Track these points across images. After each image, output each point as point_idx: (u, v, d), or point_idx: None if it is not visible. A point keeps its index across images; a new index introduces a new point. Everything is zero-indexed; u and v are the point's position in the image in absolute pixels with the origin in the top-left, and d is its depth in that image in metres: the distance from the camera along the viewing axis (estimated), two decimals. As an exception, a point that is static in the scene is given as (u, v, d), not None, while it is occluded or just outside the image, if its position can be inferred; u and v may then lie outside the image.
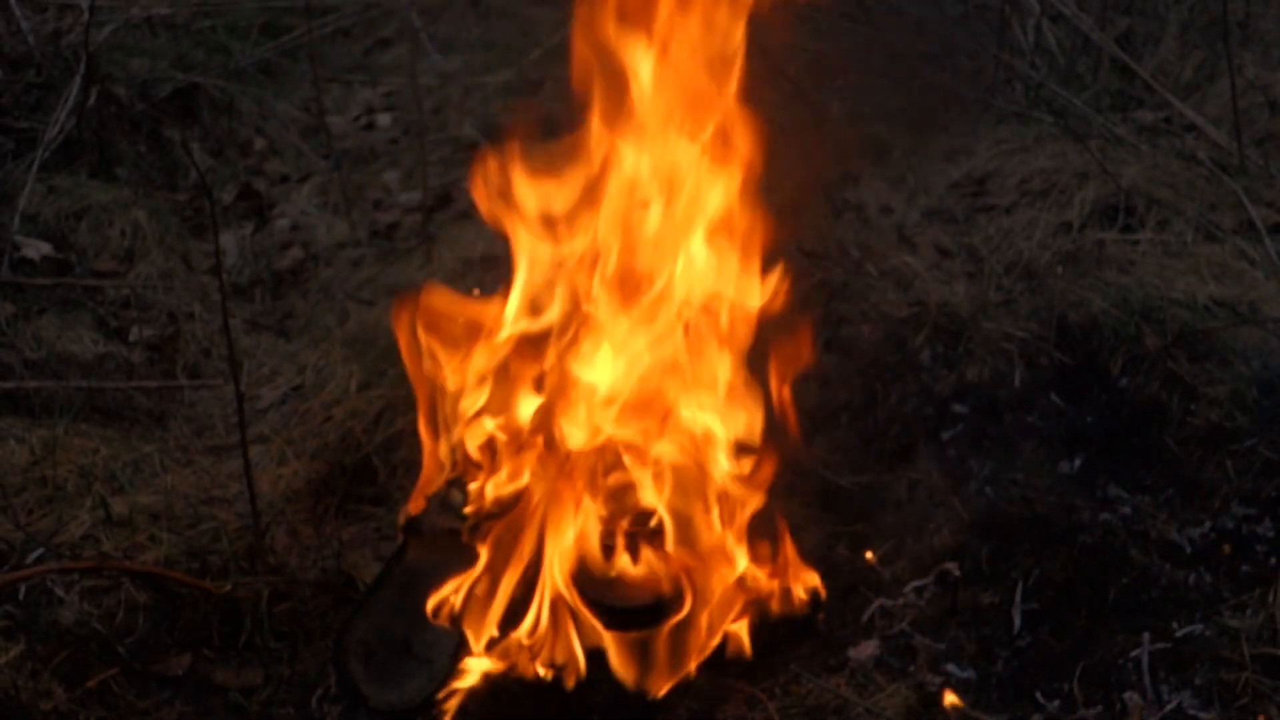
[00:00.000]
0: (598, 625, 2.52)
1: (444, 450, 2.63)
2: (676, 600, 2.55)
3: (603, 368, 2.59)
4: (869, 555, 2.89)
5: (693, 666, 2.57)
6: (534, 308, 2.64)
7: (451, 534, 2.53)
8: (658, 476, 2.59)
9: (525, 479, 2.55)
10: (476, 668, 2.52)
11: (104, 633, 2.76)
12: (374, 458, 3.32)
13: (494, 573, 2.52)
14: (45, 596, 2.88)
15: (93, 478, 3.26)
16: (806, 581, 2.71)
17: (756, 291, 2.65)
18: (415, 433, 3.19)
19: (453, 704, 2.53)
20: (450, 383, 2.62)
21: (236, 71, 5.17)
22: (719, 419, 2.64)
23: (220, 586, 2.82)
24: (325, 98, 5.04)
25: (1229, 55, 4.32)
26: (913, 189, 4.20)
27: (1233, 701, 2.49)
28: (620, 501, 2.60)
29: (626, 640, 2.53)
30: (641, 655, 2.55)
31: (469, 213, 4.49)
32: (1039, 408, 3.32)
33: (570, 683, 2.51)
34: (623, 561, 2.56)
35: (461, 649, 2.51)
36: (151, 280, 4.07)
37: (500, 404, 2.62)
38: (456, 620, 2.50)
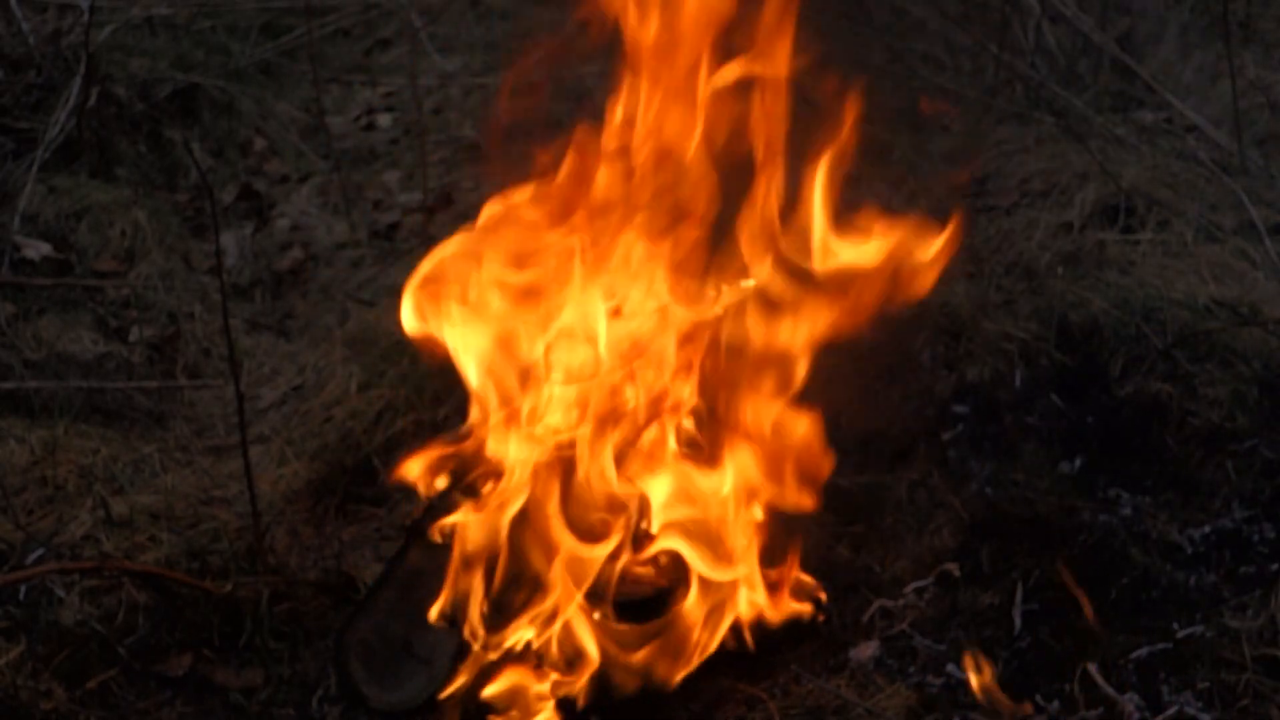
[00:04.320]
0: (598, 620, 2.52)
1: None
2: (676, 592, 2.55)
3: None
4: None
5: (694, 665, 2.57)
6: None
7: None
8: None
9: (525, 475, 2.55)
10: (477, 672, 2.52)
11: (104, 633, 2.76)
12: (374, 458, 3.31)
13: (491, 572, 2.52)
14: (45, 596, 2.87)
15: (93, 478, 3.26)
16: (806, 587, 2.72)
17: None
18: (415, 433, 3.20)
19: (452, 704, 2.53)
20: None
21: (236, 71, 5.17)
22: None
23: (220, 586, 2.82)
24: (325, 98, 5.03)
25: (1229, 56, 4.32)
26: (912, 189, 4.20)
27: (1234, 703, 2.49)
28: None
29: (627, 637, 2.54)
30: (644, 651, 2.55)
31: (469, 213, 4.49)
32: (1039, 408, 3.32)
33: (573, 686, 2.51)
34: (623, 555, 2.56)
35: (463, 650, 2.51)
36: (151, 280, 4.07)
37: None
38: (457, 624, 2.50)
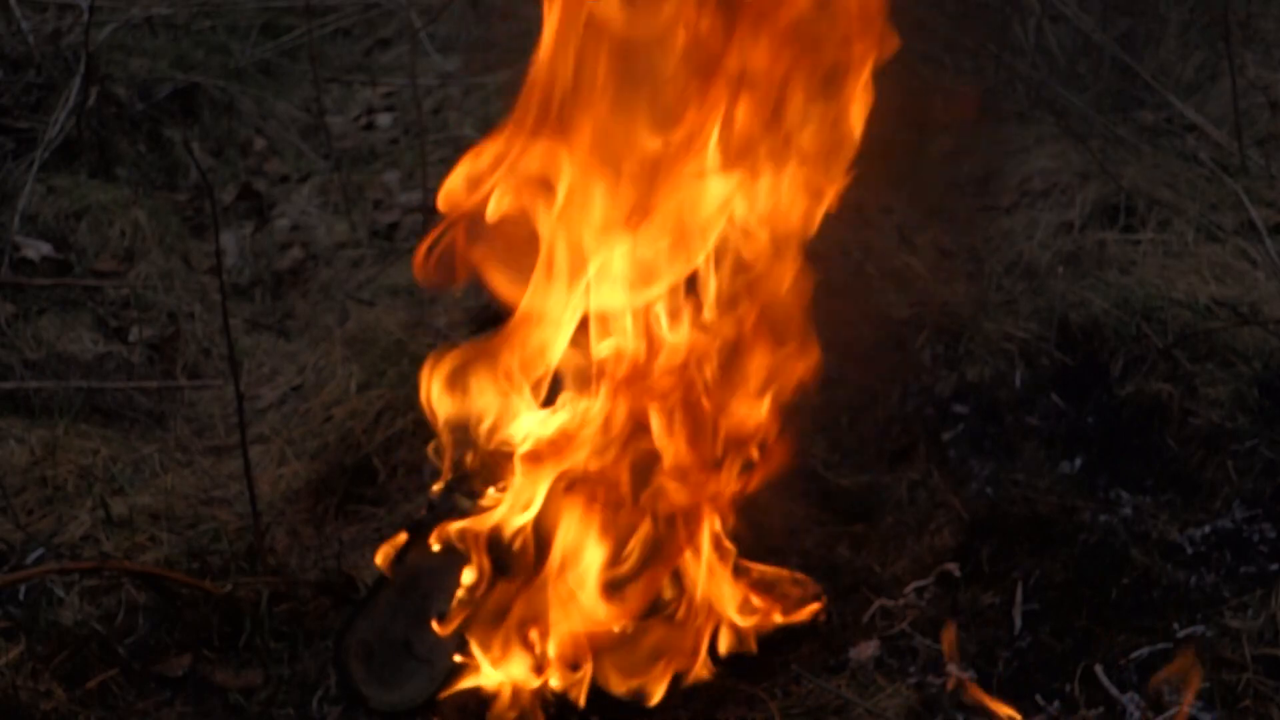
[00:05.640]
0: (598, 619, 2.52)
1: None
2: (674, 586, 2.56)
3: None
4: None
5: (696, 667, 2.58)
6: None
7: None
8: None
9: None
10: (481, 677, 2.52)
11: (104, 633, 2.76)
12: (374, 458, 3.31)
13: (496, 578, 2.52)
14: (45, 596, 2.88)
15: (93, 478, 3.26)
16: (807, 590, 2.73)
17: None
18: (415, 433, 3.20)
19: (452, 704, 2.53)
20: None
21: (236, 71, 5.17)
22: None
23: (220, 587, 2.82)
24: (325, 98, 5.03)
25: (1230, 55, 4.32)
26: (913, 189, 4.20)
27: (1234, 703, 2.49)
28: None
29: (627, 638, 2.54)
30: (642, 654, 2.55)
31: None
32: (1040, 408, 3.32)
33: (576, 689, 2.51)
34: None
35: (464, 650, 2.51)
36: (151, 280, 4.07)
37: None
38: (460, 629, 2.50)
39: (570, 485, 2.53)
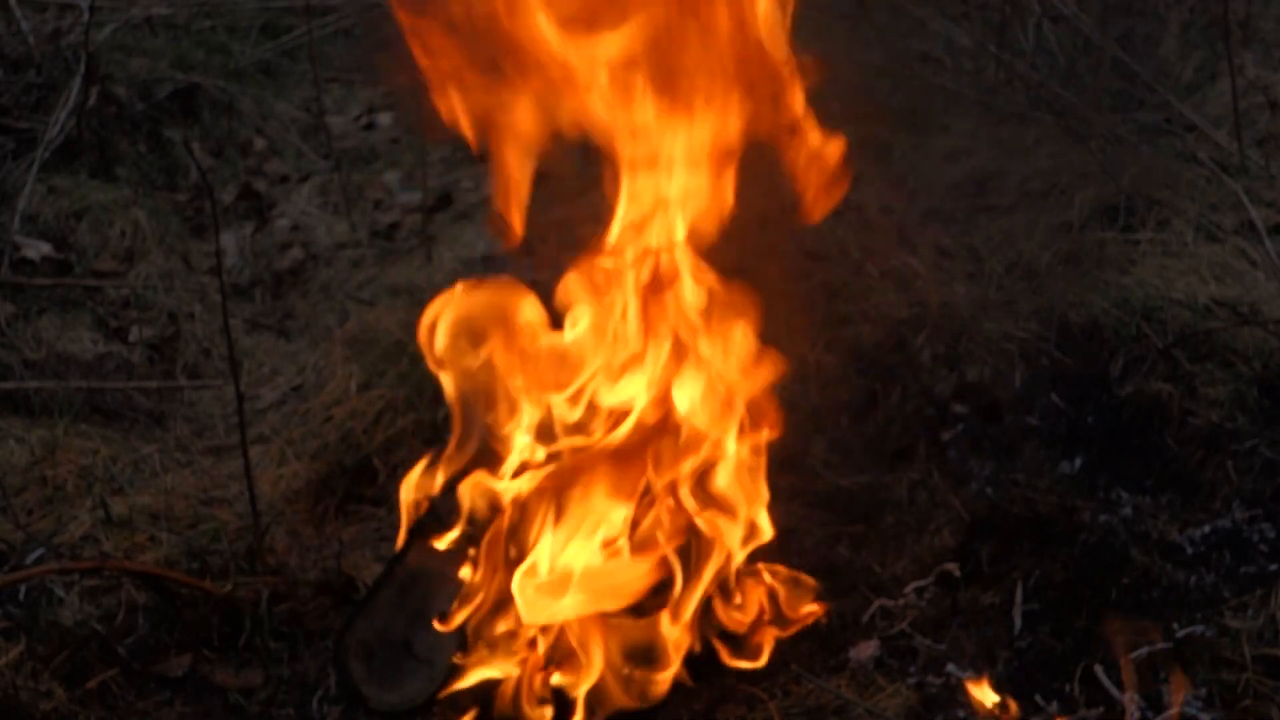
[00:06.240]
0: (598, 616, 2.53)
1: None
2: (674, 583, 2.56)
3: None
4: None
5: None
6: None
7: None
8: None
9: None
10: (478, 673, 2.52)
11: (104, 633, 2.76)
12: (374, 458, 3.31)
13: (493, 575, 2.52)
14: (45, 596, 2.88)
15: (93, 478, 3.26)
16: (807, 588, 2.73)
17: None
18: (415, 433, 3.20)
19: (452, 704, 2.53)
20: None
21: (236, 71, 5.17)
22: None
23: (220, 587, 2.82)
24: (325, 98, 5.03)
25: (1229, 55, 4.32)
26: (913, 189, 4.20)
27: (1234, 703, 2.49)
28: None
29: (628, 637, 2.54)
30: (643, 654, 2.55)
31: (469, 213, 4.50)
32: (1039, 408, 3.32)
33: (576, 686, 2.51)
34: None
35: (463, 649, 2.51)
36: (151, 280, 4.07)
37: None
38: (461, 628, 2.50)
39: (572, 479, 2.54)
